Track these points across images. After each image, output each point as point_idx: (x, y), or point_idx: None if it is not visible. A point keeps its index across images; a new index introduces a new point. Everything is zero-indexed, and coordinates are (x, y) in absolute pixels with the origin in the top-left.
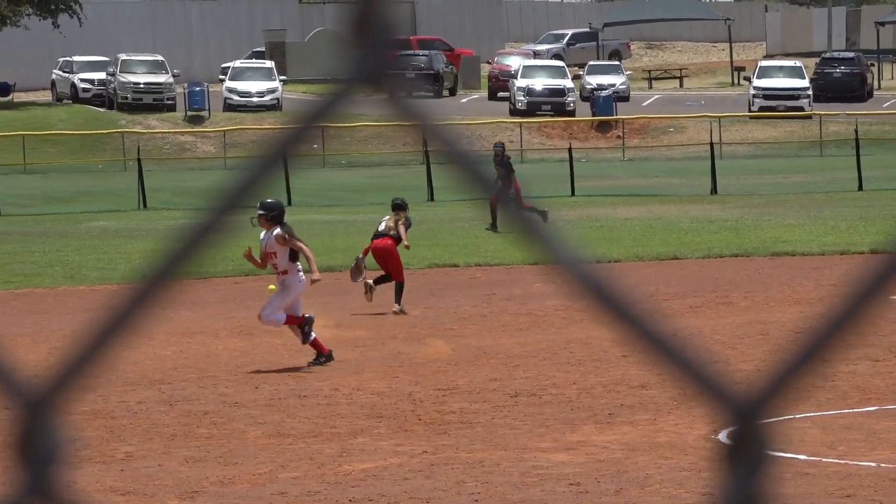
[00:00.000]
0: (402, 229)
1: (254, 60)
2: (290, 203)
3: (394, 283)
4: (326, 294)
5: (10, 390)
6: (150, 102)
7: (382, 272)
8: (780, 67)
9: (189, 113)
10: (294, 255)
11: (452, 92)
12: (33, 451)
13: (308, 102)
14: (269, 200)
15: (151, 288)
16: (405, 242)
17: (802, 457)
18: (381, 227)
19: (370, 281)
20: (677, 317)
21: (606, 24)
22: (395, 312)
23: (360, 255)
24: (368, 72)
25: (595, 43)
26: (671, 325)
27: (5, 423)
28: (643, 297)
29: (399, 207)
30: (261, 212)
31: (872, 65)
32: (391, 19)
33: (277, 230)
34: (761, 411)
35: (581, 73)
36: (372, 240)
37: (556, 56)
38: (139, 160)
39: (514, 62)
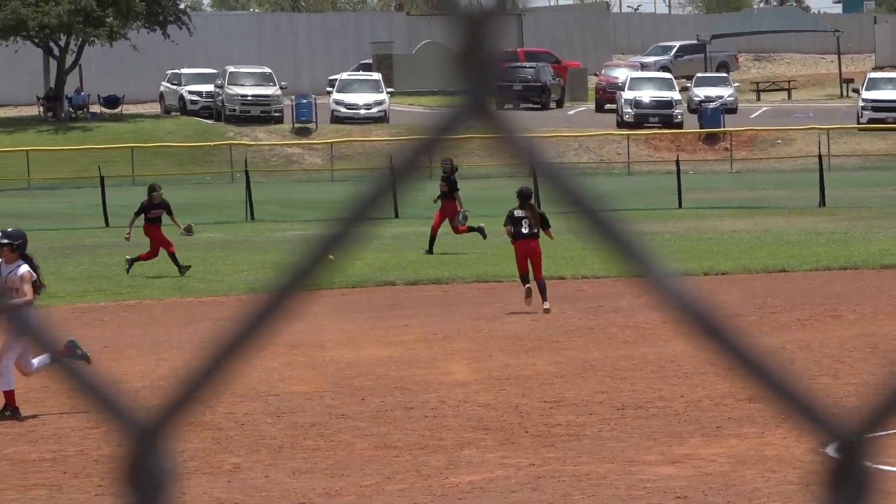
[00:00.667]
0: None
1: (361, 73)
2: (396, 216)
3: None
4: (432, 306)
5: (120, 419)
6: (258, 115)
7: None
8: (890, 79)
9: (296, 125)
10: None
11: (559, 104)
12: (142, 480)
13: (427, 116)
14: (11, 230)
15: (279, 300)
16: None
17: None
18: (525, 229)
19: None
20: (785, 330)
21: (714, 36)
22: (546, 311)
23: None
24: (479, 90)
25: (703, 55)
26: (765, 343)
27: (116, 452)
28: (733, 314)
29: (527, 196)
30: (4, 241)
31: None
32: (500, 36)
33: (26, 268)
34: (867, 426)
35: (689, 84)
36: (515, 239)
37: (664, 68)
38: (247, 172)
39: (622, 74)
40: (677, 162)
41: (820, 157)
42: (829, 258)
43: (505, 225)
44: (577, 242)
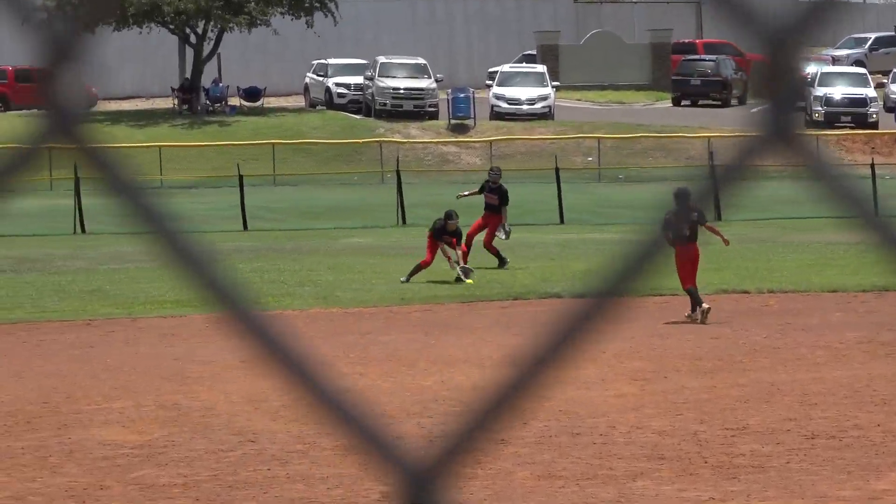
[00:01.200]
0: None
1: (524, 65)
2: (562, 221)
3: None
4: None
5: (394, 462)
6: (411, 109)
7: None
8: None
9: (453, 121)
10: None
11: (742, 101)
12: None
13: (729, 143)
14: None
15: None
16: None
17: None
18: (687, 232)
19: (706, 305)
20: None
21: None
22: (698, 317)
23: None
24: (778, 129)
25: None
26: None
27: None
28: None
29: (686, 196)
30: None
31: None
32: (802, 56)
33: None
34: None
35: (885, 80)
36: (677, 244)
37: (858, 62)
38: (398, 172)
39: (811, 69)
40: (872, 165)
41: None
42: None
43: (665, 230)
44: (762, 253)
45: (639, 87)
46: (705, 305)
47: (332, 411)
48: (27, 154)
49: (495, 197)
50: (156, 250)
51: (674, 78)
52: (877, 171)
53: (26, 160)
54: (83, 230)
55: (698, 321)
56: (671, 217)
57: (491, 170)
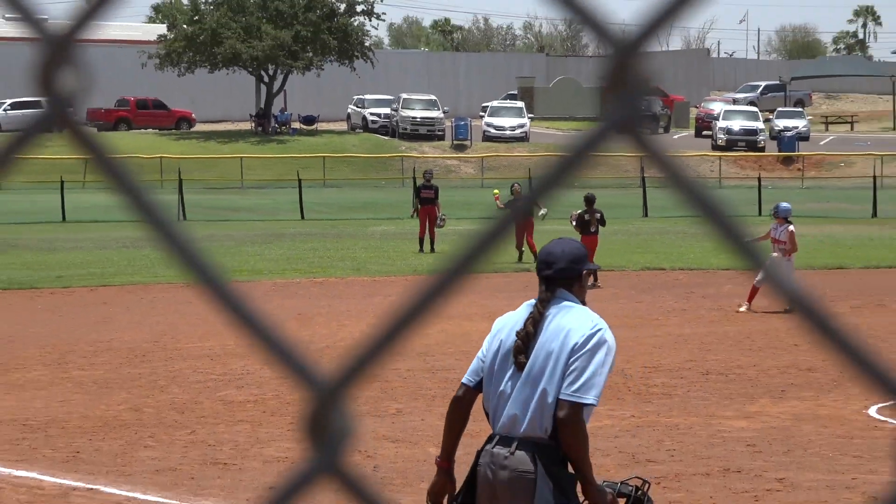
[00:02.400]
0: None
1: (508, 101)
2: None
3: None
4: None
5: (305, 380)
6: (425, 133)
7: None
8: None
9: (455, 142)
10: None
11: (667, 130)
12: (324, 435)
13: (572, 137)
14: None
15: (450, 280)
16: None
17: None
18: (593, 228)
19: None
20: (840, 315)
21: (793, 78)
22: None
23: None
24: (623, 116)
25: (783, 93)
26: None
27: (301, 407)
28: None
29: (591, 201)
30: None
31: None
32: (646, 71)
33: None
34: None
35: (771, 117)
36: (584, 236)
37: (751, 103)
38: (414, 178)
39: (717, 107)
40: (759, 179)
41: (875, 177)
42: (878, 258)
43: (573, 223)
44: (675, 241)
45: (592, 120)
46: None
47: (261, 337)
48: (24, 137)
49: (431, 192)
50: (127, 206)
51: (642, 113)
52: (763, 183)
53: (23, 142)
54: (184, 217)
55: (642, 295)
56: (581, 214)
57: (424, 172)
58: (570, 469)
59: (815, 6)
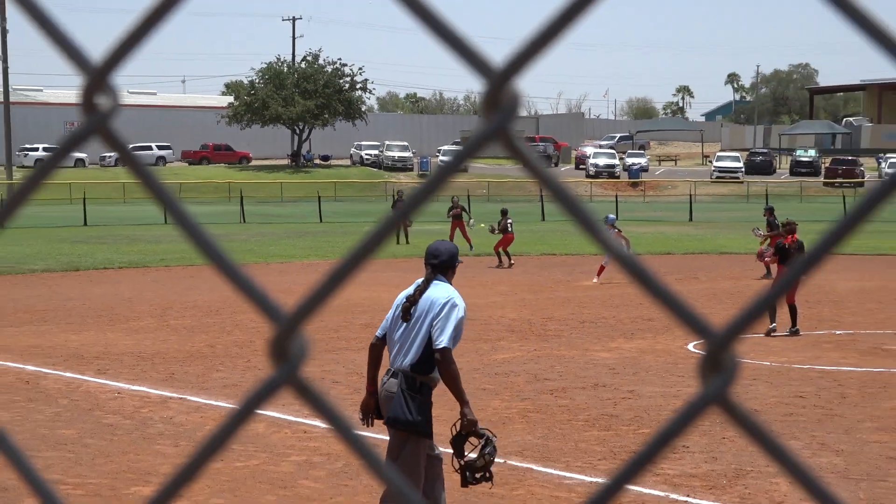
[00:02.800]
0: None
1: (454, 146)
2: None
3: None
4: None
5: (271, 313)
6: (400, 167)
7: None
8: (729, 156)
9: (420, 172)
10: None
11: (556, 165)
12: (285, 355)
13: (457, 148)
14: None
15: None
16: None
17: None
18: (511, 230)
19: (513, 261)
20: (667, 282)
21: (638, 132)
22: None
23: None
24: (498, 125)
25: (631, 141)
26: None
27: (268, 336)
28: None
29: (505, 212)
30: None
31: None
32: (515, 102)
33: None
34: (732, 330)
35: (623, 156)
36: (504, 234)
37: (611, 147)
38: (393, 196)
39: (589, 150)
40: (616, 196)
41: (690, 195)
42: (694, 247)
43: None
44: (563, 236)
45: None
46: (512, 261)
47: (241, 285)
48: (69, 144)
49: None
50: (160, 203)
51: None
52: (619, 199)
53: (68, 149)
54: (244, 221)
55: (506, 267)
56: (501, 222)
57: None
58: (430, 396)
59: (652, 85)
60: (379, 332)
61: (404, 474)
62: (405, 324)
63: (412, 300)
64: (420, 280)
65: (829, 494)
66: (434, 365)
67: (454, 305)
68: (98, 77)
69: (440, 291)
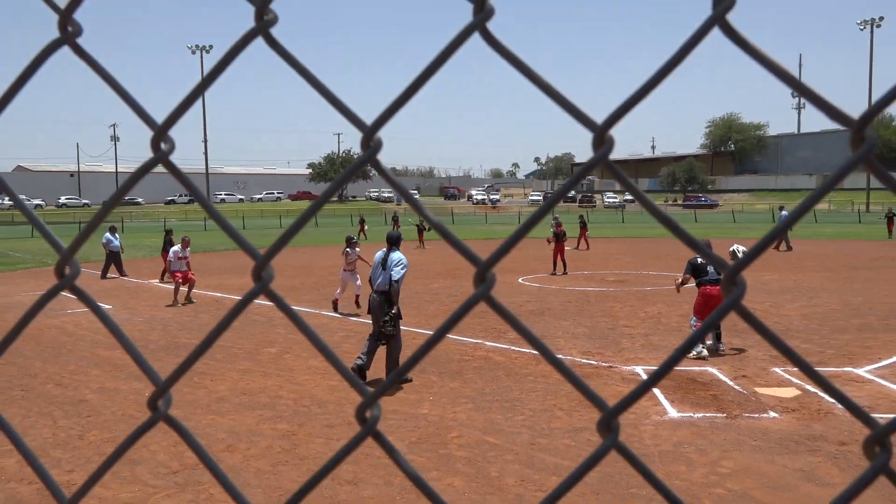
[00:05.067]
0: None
1: (416, 191)
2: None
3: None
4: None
5: (252, 253)
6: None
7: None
8: (536, 193)
9: (398, 202)
10: None
11: (457, 199)
12: (260, 278)
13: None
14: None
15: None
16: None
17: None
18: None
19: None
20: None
21: (495, 183)
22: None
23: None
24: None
25: (492, 187)
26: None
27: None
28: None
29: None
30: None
31: None
32: (374, 151)
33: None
34: None
35: (487, 194)
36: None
37: (483, 191)
38: (394, 217)
39: (474, 192)
40: (486, 214)
41: (519, 212)
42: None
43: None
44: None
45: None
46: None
47: (235, 238)
48: (139, 174)
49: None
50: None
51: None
52: (487, 215)
53: (136, 178)
54: (316, 225)
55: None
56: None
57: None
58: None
59: (499, 161)
60: (371, 274)
61: (372, 315)
62: (382, 269)
63: (384, 257)
64: (384, 249)
65: None
66: (390, 287)
67: (401, 259)
68: (161, 130)
69: (395, 255)
